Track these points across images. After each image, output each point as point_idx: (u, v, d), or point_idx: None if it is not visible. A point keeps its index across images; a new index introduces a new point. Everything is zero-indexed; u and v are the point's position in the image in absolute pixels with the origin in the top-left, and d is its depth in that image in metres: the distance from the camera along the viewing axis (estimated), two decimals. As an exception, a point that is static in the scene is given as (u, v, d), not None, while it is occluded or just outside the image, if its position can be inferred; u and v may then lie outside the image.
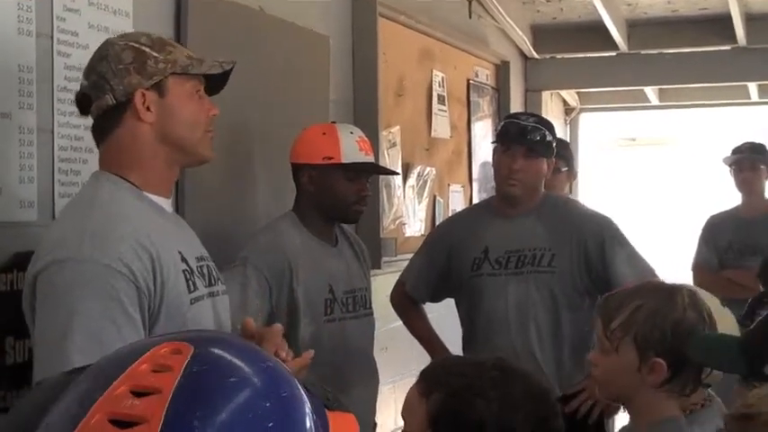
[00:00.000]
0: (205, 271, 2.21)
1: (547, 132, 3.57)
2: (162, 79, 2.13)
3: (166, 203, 2.20)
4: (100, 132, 2.17)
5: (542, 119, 3.74)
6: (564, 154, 4.87)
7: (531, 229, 3.55)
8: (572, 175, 5.27)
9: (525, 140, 3.51)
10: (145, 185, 2.14)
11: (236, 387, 0.91)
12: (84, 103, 2.17)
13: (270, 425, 0.89)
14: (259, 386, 0.92)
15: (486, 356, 1.96)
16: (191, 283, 2.11)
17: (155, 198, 2.16)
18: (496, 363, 1.86)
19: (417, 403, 1.81)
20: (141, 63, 2.12)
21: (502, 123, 3.79)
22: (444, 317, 3.97)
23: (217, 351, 0.96)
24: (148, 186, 2.14)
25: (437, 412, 1.77)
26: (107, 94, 2.11)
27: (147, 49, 2.13)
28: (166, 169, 2.18)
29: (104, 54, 2.14)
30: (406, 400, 1.86)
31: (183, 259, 2.12)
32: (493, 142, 3.74)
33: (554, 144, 3.61)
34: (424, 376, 1.86)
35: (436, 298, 3.81)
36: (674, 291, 2.15)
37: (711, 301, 2.46)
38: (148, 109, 2.12)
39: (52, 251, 2.01)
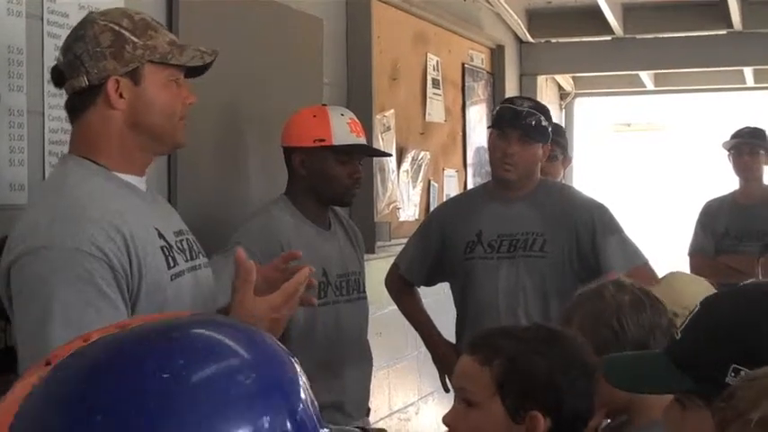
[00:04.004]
0: (185, 245, 2.18)
1: (542, 117, 3.55)
2: (138, 66, 2.09)
3: (139, 181, 2.16)
4: (72, 111, 2.14)
5: (538, 104, 3.72)
6: (560, 141, 4.85)
7: (524, 214, 3.54)
8: (567, 161, 5.25)
9: (520, 125, 3.50)
10: (115, 166, 2.10)
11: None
12: (58, 78, 2.14)
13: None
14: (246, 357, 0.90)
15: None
16: (170, 259, 2.09)
17: (126, 177, 2.12)
18: (538, 325, 2.04)
19: (479, 372, 1.89)
20: (119, 48, 2.07)
21: (497, 107, 3.78)
22: (439, 302, 3.96)
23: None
24: (119, 167, 2.11)
25: (503, 376, 1.87)
26: (81, 76, 2.07)
27: (127, 33, 2.08)
28: (138, 153, 2.14)
29: (82, 33, 2.09)
30: (462, 371, 1.95)
31: (161, 235, 2.09)
32: (489, 126, 3.73)
33: (550, 129, 3.60)
34: (478, 347, 1.94)
35: (431, 281, 3.79)
36: (597, 289, 2.19)
37: (702, 286, 2.43)
38: (121, 96, 2.08)
39: (24, 240, 1.99)
